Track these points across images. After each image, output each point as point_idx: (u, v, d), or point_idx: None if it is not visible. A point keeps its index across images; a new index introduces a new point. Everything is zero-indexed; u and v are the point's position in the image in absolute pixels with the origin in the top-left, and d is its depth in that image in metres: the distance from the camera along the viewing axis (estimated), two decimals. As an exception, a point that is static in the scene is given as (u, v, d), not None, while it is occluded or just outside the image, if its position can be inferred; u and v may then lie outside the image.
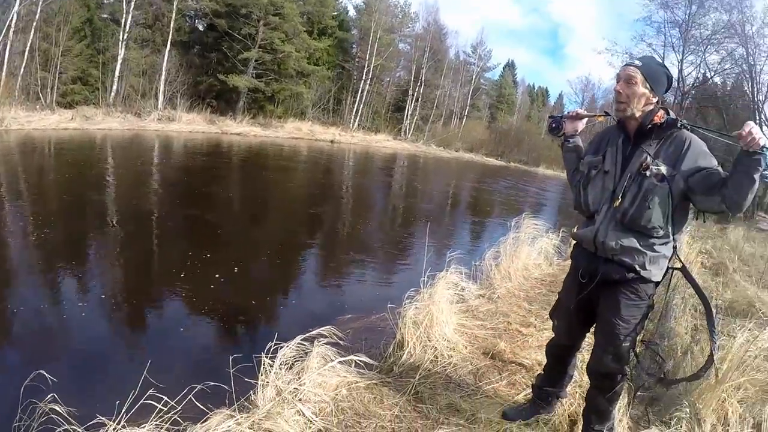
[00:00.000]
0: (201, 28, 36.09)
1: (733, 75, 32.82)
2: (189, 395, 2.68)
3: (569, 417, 3.30)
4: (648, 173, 2.50)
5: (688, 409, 3.35)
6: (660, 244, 2.58)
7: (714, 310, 2.73)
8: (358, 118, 43.69)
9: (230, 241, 7.68)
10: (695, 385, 3.50)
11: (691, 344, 4.16)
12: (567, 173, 3.06)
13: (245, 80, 32.47)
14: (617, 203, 2.57)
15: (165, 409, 2.57)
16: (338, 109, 43.43)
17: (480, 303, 5.43)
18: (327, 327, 3.63)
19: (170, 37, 31.04)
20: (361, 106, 43.96)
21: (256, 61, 33.25)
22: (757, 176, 2.21)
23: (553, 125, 3.04)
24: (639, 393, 2.98)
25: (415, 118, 48.70)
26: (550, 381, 3.24)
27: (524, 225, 7.32)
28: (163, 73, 30.39)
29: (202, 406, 2.74)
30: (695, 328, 4.66)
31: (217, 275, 6.04)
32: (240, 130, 29.59)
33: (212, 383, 2.86)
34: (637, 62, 2.58)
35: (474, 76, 57.95)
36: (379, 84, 47.22)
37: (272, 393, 2.93)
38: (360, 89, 43.44)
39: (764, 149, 2.16)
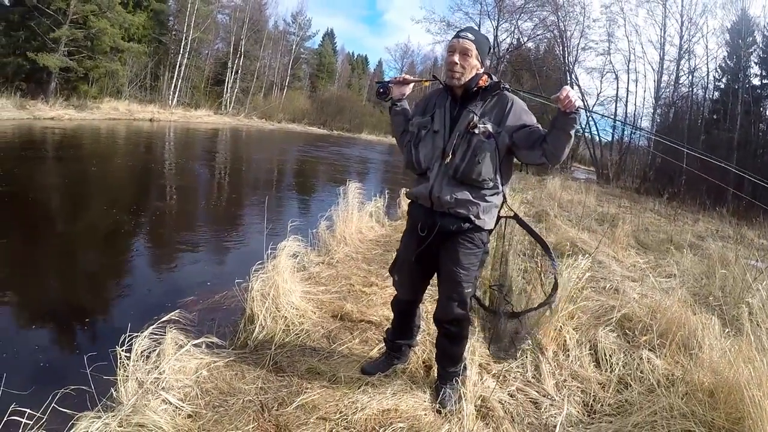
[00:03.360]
0: (6, 2, 32.28)
1: (546, 40, 35.57)
2: (52, 403, 2.49)
3: (424, 363, 3.47)
4: (476, 131, 2.67)
5: (530, 341, 3.65)
6: (491, 195, 2.78)
7: (550, 246, 3.01)
8: (177, 94, 41.78)
9: (61, 239, 7.01)
10: (532, 319, 3.86)
11: (526, 284, 4.56)
12: (395, 135, 3.19)
13: (56, 59, 29.53)
14: (448, 160, 2.72)
15: (30, 423, 2.41)
16: (156, 86, 41.14)
17: (321, 269, 5.49)
18: (176, 312, 3.50)
19: (-28, 14, 27.50)
20: (180, 81, 42.04)
21: (67, 38, 30.35)
22: (572, 132, 2.51)
23: (381, 90, 3.14)
24: (498, 334, 3.21)
25: (236, 91, 47.77)
26: (401, 334, 3.39)
27: (351, 191, 7.47)
28: (-35, 55, 26.87)
29: (68, 411, 2.57)
30: (530, 269, 5.09)
31: (52, 276, 5.60)
32: (54, 114, 26.73)
33: (73, 387, 2.70)
34: (470, 35, 2.76)
35: (294, 46, 57.95)
36: (197, 58, 45.50)
37: (134, 386, 2.80)
38: (178, 64, 41.53)
39: (579, 109, 2.42)
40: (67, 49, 30.21)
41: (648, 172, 26.93)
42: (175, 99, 41.57)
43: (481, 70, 2.82)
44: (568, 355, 3.70)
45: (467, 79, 2.76)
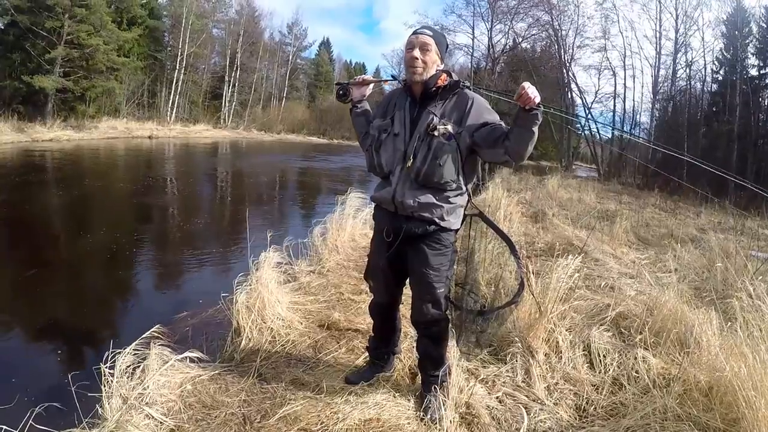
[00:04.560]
0: (1, 25, 32.59)
1: (541, 39, 35.56)
2: (30, 420, 2.50)
3: (409, 370, 3.42)
4: (436, 133, 2.64)
5: (519, 344, 3.58)
6: (454, 196, 2.75)
7: (516, 245, 2.94)
8: (174, 109, 42.12)
9: (57, 257, 7.04)
10: (523, 321, 3.77)
11: (502, 281, 4.50)
12: (358, 137, 3.15)
13: (52, 80, 29.69)
14: (410, 163, 2.69)
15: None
16: (153, 103, 41.41)
17: (311, 279, 5.44)
18: (162, 327, 3.53)
19: (-32, 38, 27.75)
20: (177, 97, 42.36)
21: (62, 58, 30.50)
22: (535, 129, 2.45)
23: (341, 92, 3.10)
24: (464, 331, 3.15)
25: (234, 104, 48.14)
26: (382, 340, 3.34)
27: (349, 198, 7.50)
28: (-38, 80, 27.08)
29: (52, 430, 2.55)
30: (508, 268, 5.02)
31: (40, 295, 5.55)
32: (52, 135, 27.01)
33: (57, 404, 2.71)
34: (428, 31, 2.75)
35: (291, 57, 58.22)
36: (194, 72, 45.77)
37: (118, 402, 2.77)
38: (175, 79, 41.87)
39: (540, 105, 2.37)
40: (63, 70, 30.39)
41: (648, 168, 26.74)
42: (174, 115, 41.83)
43: (441, 66, 2.78)
44: (561, 357, 3.59)
45: (429, 75, 2.72)
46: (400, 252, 2.84)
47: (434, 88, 2.73)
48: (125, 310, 5.54)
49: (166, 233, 8.82)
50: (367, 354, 3.52)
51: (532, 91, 2.33)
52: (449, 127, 2.64)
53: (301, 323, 4.19)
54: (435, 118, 2.68)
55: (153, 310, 5.32)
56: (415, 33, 2.76)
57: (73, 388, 2.75)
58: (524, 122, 2.42)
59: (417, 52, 2.69)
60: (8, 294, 5.64)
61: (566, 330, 3.82)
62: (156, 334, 3.42)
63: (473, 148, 2.69)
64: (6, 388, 3.60)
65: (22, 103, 29.69)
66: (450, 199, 2.73)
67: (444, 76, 2.75)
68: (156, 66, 41.41)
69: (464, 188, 2.78)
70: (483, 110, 2.70)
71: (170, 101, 41.86)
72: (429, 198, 2.68)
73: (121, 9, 36.13)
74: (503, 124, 2.63)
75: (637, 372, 3.44)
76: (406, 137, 2.75)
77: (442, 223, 2.72)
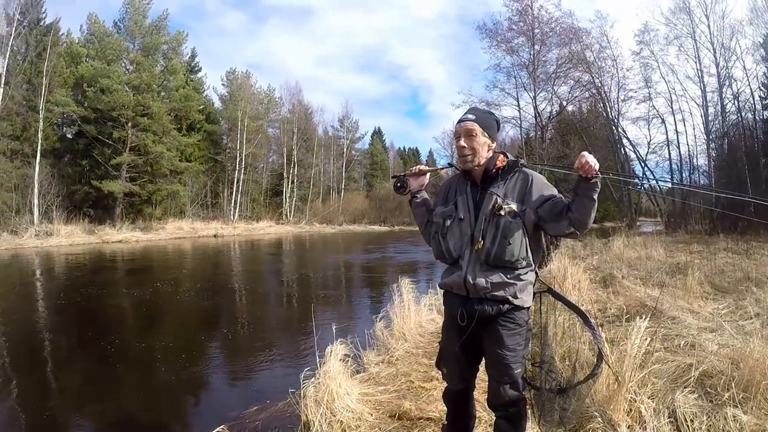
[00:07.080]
0: (70, 135, 35.34)
1: (585, 100, 35.47)
2: None
3: (485, 458, 3.27)
4: (502, 212, 2.67)
5: (600, 418, 3.41)
6: (525, 273, 2.73)
7: (590, 317, 2.86)
8: (237, 208, 43.88)
9: (127, 354, 7.22)
10: (600, 393, 3.60)
11: (577, 354, 4.32)
12: (419, 227, 3.19)
13: (120, 185, 31.80)
14: (479, 246, 2.70)
15: None
16: (217, 203, 43.36)
17: (380, 369, 5.39)
18: (231, 423, 3.70)
19: (39, 146, 30.16)
20: (239, 196, 44.18)
21: (128, 164, 32.55)
22: (596, 196, 2.50)
23: (398, 184, 3.14)
24: (545, 412, 3.02)
25: (294, 199, 49.61)
26: (457, 428, 3.23)
27: (404, 285, 7.43)
28: (36, 185, 29.32)
29: None
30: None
31: (114, 389, 5.75)
32: (121, 237, 28.81)
33: None
34: (470, 116, 2.82)
35: (345, 149, 60.29)
36: (253, 171, 47.77)
37: None
38: (235, 179, 43.79)
39: (598, 174, 2.45)
40: (129, 175, 32.42)
41: (714, 213, 25.67)
42: (236, 213, 43.40)
43: (493, 145, 2.84)
44: (645, 427, 3.38)
45: (482, 159, 2.79)
46: (473, 335, 2.80)
47: (494, 170, 2.80)
48: (194, 406, 5.63)
49: (233, 330, 8.90)
50: (440, 444, 3.40)
51: (591, 160, 2.42)
52: (513, 206, 2.68)
53: (371, 414, 4.11)
54: (498, 198, 2.73)
55: (221, 406, 5.36)
56: (459, 121, 2.84)
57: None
58: (585, 191, 2.48)
59: (463, 141, 2.78)
60: (80, 389, 5.85)
61: (648, 397, 3.63)
62: (225, 431, 3.39)
63: (538, 224, 2.71)
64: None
65: (92, 207, 31.96)
66: (521, 277, 2.72)
67: (501, 157, 2.82)
68: (217, 168, 43.53)
69: (533, 265, 2.78)
70: (543, 186, 2.75)
71: (232, 200, 43.60)
72: (501, 277, 2.68)
73: (181, 116, 38.38)
74: (563, 197, 2.67)
75: (729, 433, 3.22)
76: (471, 221, 2.78)
77: (516, 301, 2.71)
